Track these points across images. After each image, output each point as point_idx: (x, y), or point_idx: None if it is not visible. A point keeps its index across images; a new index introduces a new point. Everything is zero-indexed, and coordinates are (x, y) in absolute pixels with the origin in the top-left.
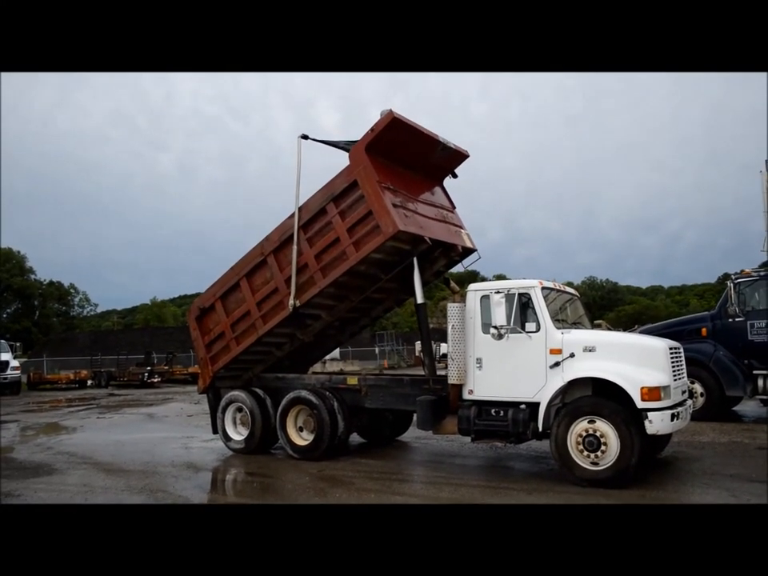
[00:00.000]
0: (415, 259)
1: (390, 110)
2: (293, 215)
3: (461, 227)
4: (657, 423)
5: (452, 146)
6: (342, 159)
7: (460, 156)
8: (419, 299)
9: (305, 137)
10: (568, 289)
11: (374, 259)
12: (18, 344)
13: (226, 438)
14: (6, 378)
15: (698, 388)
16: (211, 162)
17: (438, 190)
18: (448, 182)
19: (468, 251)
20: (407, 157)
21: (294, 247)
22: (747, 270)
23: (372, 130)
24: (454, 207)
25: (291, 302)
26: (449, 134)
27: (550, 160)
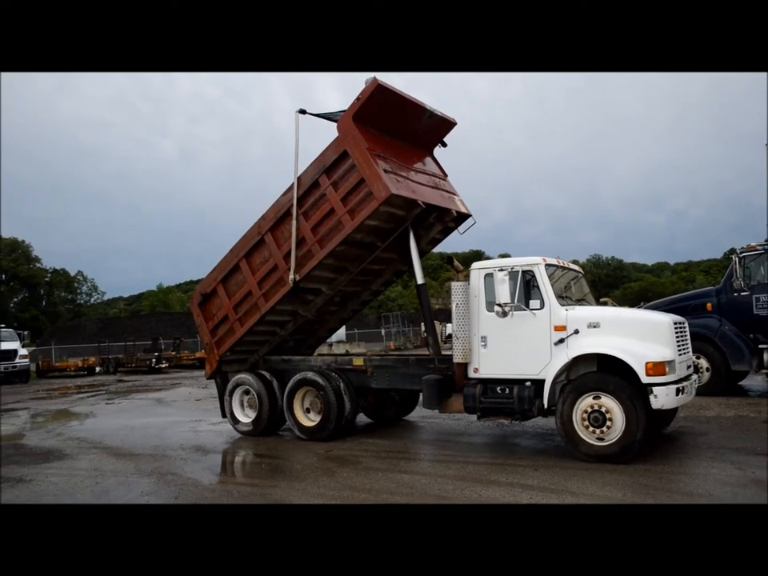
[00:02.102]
0: (411, 231)
1: (374, 78)
2: (287, 191)
3: (454, 193)
4: (662, 398)
5: (439, 113)
6: None
7: (448, 124)
8: (419, 280)
9: (302, 111)
10: (572, 266)
11: (370, 227)
12: (26, 332)
13: (234, 421)
14: (15, 367)
15: (703, 363)
16: (213, 147)
17: (428, 159)
18: (445, 156)
19: (463, 217)
20: (395, 125)
21: (294, 221)
22: (753, 244)
23: (358, 99)
24: (446, 175)
25: (291, 276)
26: (450, 112)
27: (553, 136)
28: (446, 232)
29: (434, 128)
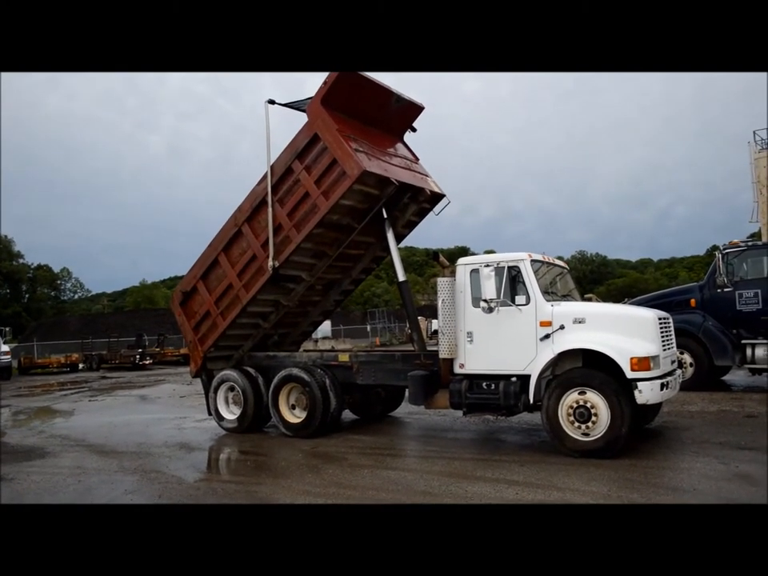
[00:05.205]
0: (385, 212)
1: None
2: (262, 180)
3: (426, 175)
4: (646, 393)
5: (406, 97)
6: None
7: (416, 108)
8: (401, 277)
9: (271, 101)
10: (558, 262)
11: (345, 207)
12: (7, 329)
13: (219, 418)
14: None
15: (687, 358)
16: (203, 143)
17: (399, 144)
18: (434, 152)
19: (437, 197)
20: (363, 109)
21: (270, 209)
22: (735, 241)
23: (325, 83)
24: (417, 159)
25: (270, 263)
26: (441, 112)
27: (542, 136)
28: (422, 214)
29: (402, 113)
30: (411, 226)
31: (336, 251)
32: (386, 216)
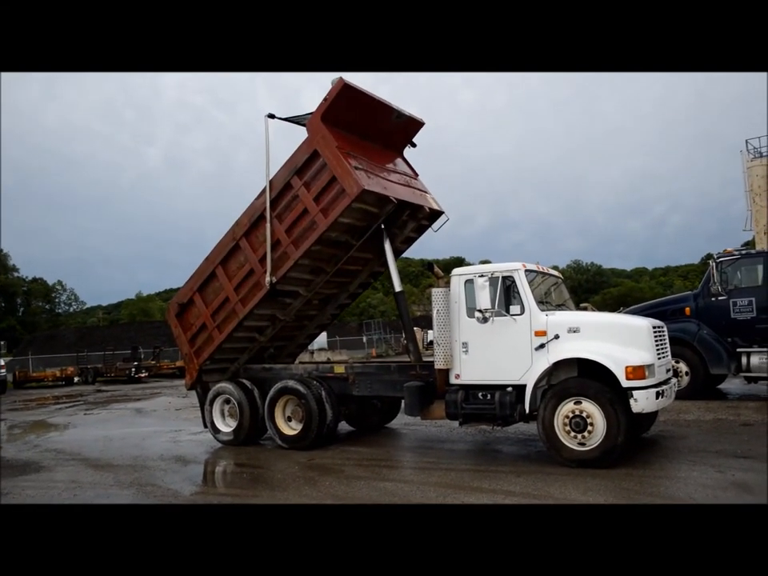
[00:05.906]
0: (384, 229)
1: (341, 78)
2: (260, 195)
3: (425, 191)
4: (642, 401)
5: (406, 113)
6: None
7: (416, 124)
8: (397, 287)
9: (271, 116)
10: (552, 271)
11: (343, 224)
12: (2, 342)
13: (215, 431)
14: None
15: (682, 367)
16: (200, 155)
17: (399, 160)
18: (428, 163)
19: (436, 214)
20: (363, 125)
21: (268, 224)
22: (729, 249)
23: (325, 99)
24: (417, 174)
25: (268, 278)
26: (438, 122)
27: (539, 146)
28: (420, 230)
29: (402, 128)
30: (409, 241)
31: (334, 267)
32: (384, 233)
